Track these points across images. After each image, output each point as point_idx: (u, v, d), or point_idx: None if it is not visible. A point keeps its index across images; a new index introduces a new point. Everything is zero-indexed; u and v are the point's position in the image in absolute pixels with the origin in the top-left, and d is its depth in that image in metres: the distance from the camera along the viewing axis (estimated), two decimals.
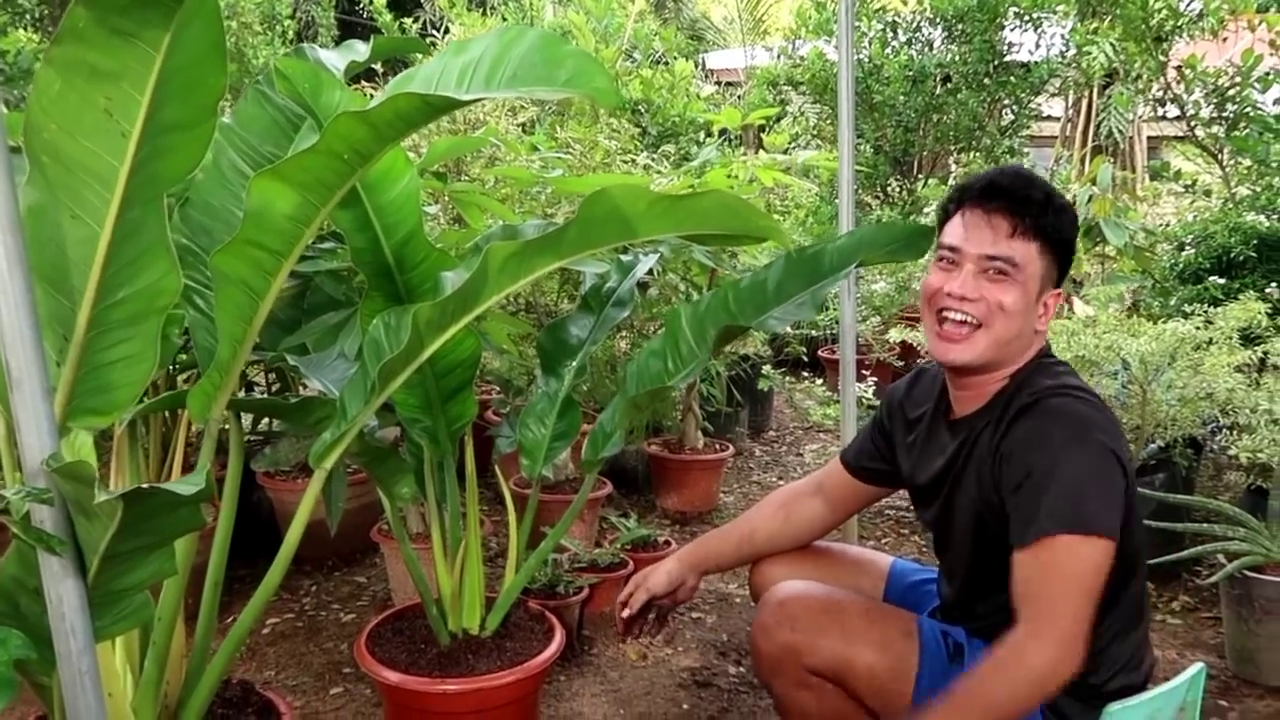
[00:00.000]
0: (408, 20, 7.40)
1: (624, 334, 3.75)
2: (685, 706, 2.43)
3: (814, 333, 5.61)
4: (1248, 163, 4.37)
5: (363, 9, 7.83)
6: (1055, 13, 6.64)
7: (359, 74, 2.13)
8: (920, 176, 7.39)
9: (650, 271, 2.93)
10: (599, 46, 5.65)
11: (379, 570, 3.19)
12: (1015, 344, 1.59)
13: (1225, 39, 4.87)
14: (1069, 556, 1.42)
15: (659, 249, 2.68)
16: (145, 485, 1.17)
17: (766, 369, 4.27)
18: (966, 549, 1.67)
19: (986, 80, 6.96)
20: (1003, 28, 6.91)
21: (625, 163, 3.82)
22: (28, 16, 5.62)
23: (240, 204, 1.63)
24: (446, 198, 2.99)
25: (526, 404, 2.29)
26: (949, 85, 7.06)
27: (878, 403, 3.60)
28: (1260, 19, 4.37)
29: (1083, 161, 7.13)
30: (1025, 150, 7.56)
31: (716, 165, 3.59)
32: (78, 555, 1.27)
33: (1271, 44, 4.32)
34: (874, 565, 1.98)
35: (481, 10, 6.97)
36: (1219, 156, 4.68)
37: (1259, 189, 4.20)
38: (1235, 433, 2.84)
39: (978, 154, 6.89)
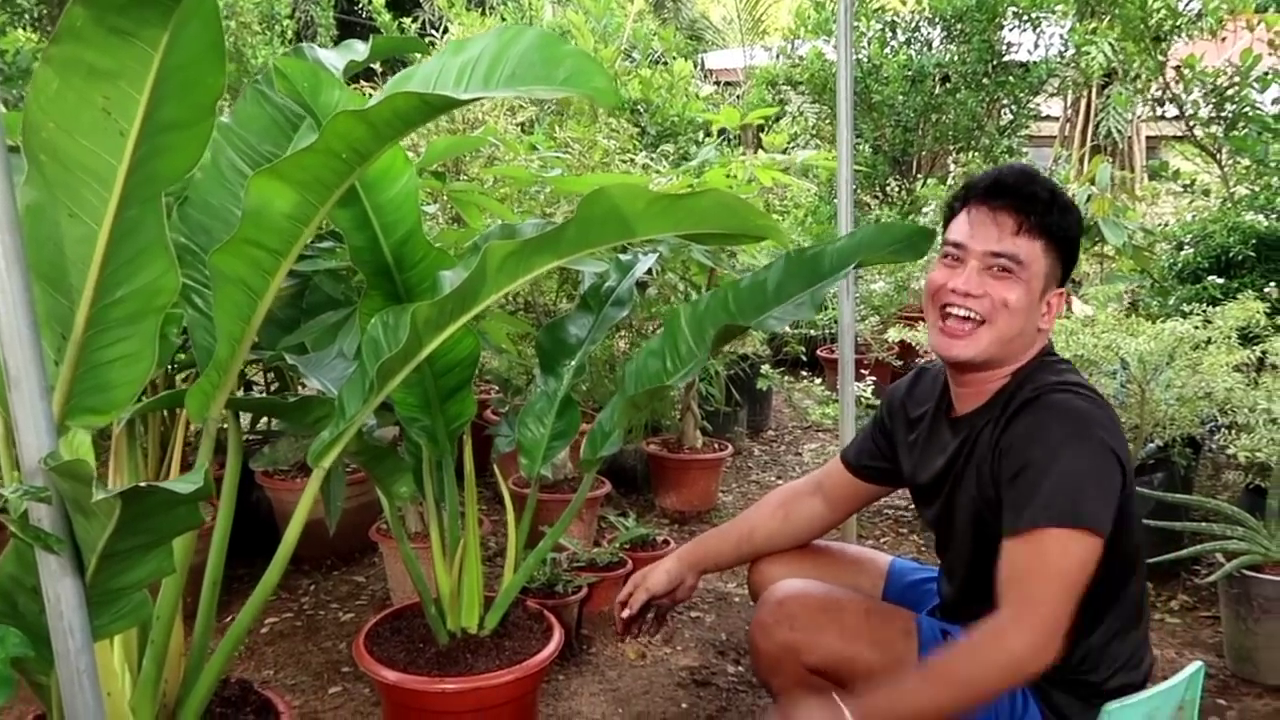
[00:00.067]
0: (406, 20, 7.40)
1: (623, 333, 3.75)
2: (684, 705, 2.43)
3: (813, 332, 5.61)
4: (1246, 162, 4.36)
5: (361, 9, 7.84)
6: (1054, 12, 6.64)
7: (358, 74, 2.13)
8: (919, 176, 7.39)
9: (649, 271, 2.93)
10: (598, 46, 5.65)
11: (377, 569, 3.19)
12: (1018, 342, 1.59)
13: (1224, 39, 4.87)
14: (1058, 550, 1.43)
15: (658, 248, 2.68)
16: (143, 484, 1.17)
17: (765, 368, 4.27)
18: (967, 548, 1.67)
19: (985, 80, 6.96)
20: (1001, 27, 6.91)
21: (624, 162, 3.82)
22: (26, 16, 5.62)
23: (239, 203, 1.63)
24: (445, 197, 2.99)
25: (525, 403, 2.29)
26: (948, 85, 7.07)
27: (876, 402, 3.61)
28: (1259, 19, 4.37)
29: (1081, 161, 7.14)
30: (1024, 150, 7.56)
31: (715, 165, 3.59)
32: (76, 554, 1.27)
33: (1270, 43, 4.32)
34: (873, 564, 1.98)
35: (480, 10, 6.97)
36: (1217, 156, 4.68)
37: (1258, 188, 4.20)
38: (1234, 432, 2.84)
39: (976, 154, 6.89)
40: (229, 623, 1.75)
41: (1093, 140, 7.81)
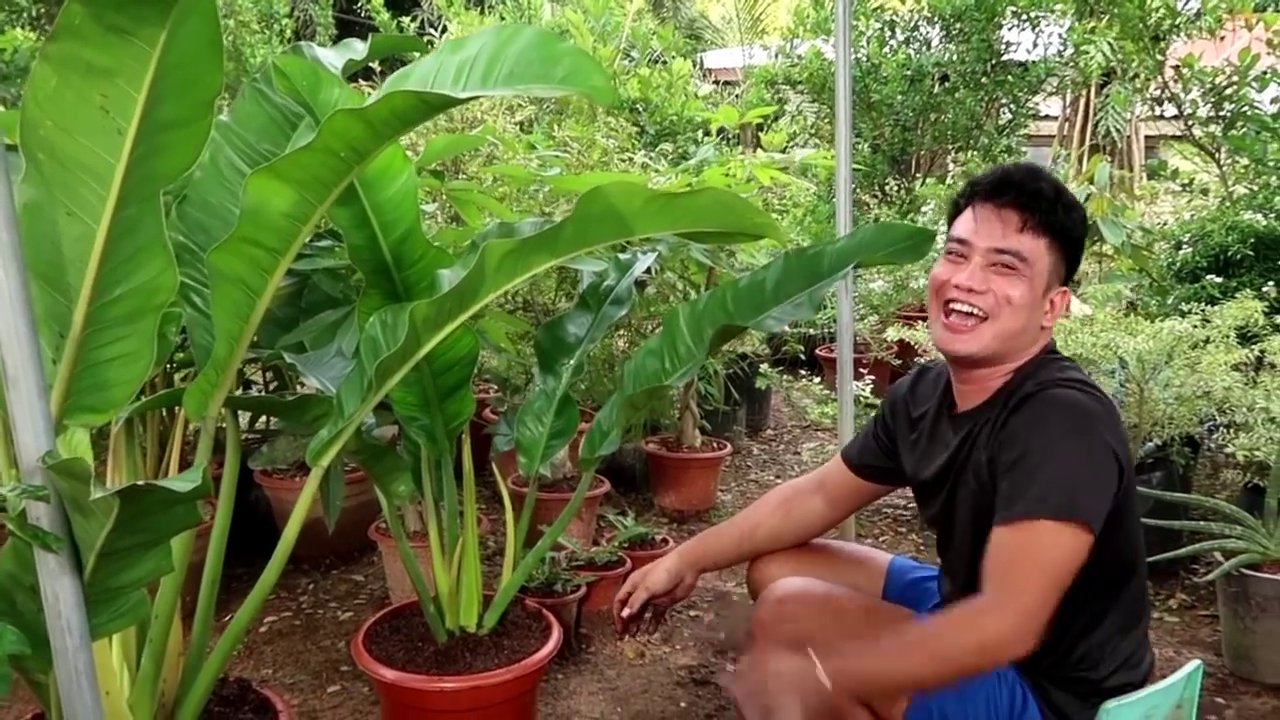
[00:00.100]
0: (405, 19, 7.40)
1: (622, 332, 3.75)
2: (683, 704, 2.43)
3: (812, 331, 5.61)
4: (1245, 161, 4.37)
5: (360, 8, 7.83)
6: (1053, 12, 6.64)
7: (357, 73, 2.13)
8: (918, 175, 7.39)
9: (648, 270, 2.93)
10: (596, 45, 5.65)
11: (376, 568, 3.18)
12: (1021, 338, 1.60)
13: (1223, 38, 4.88)
14: (1048, 542, 1.43)
15: (656, 247, 2.68)
16: (141, 482, 1.17)
17: (764, 367, 4.28)
18: (967, 546, 1.67)
19: (984, 79, 6.96)
20: (1000, 27, 6.91)
21: (623, 161, 3.82)
22: (25, 15, 5.61)
23: (237, 202, 1.63)
24: (444, 196, 2.99)
25: (524, 402, 2.29)
26: (947, 84, 7.07)
27: (875, 401, 3.62)
28: (1258, 18, 4.37)
29: (1080, 160, 7.13)
30: (1023, 149, 7.56)
31: (714, 164, 3.59)
32: (74, 552, 1.27)
33: (1269, 43, 4.32)
34: (873, 563, 1.98)
35: (479, 9, 6.97)
36: (1216, 155, 4.68)
37: (1256, 188, 4.20)
38: (1232, 431, 2.84)
39: (975, 153, 6.89)
40: (228, 621, 1.75)
41: (1091, 139, 7.81)
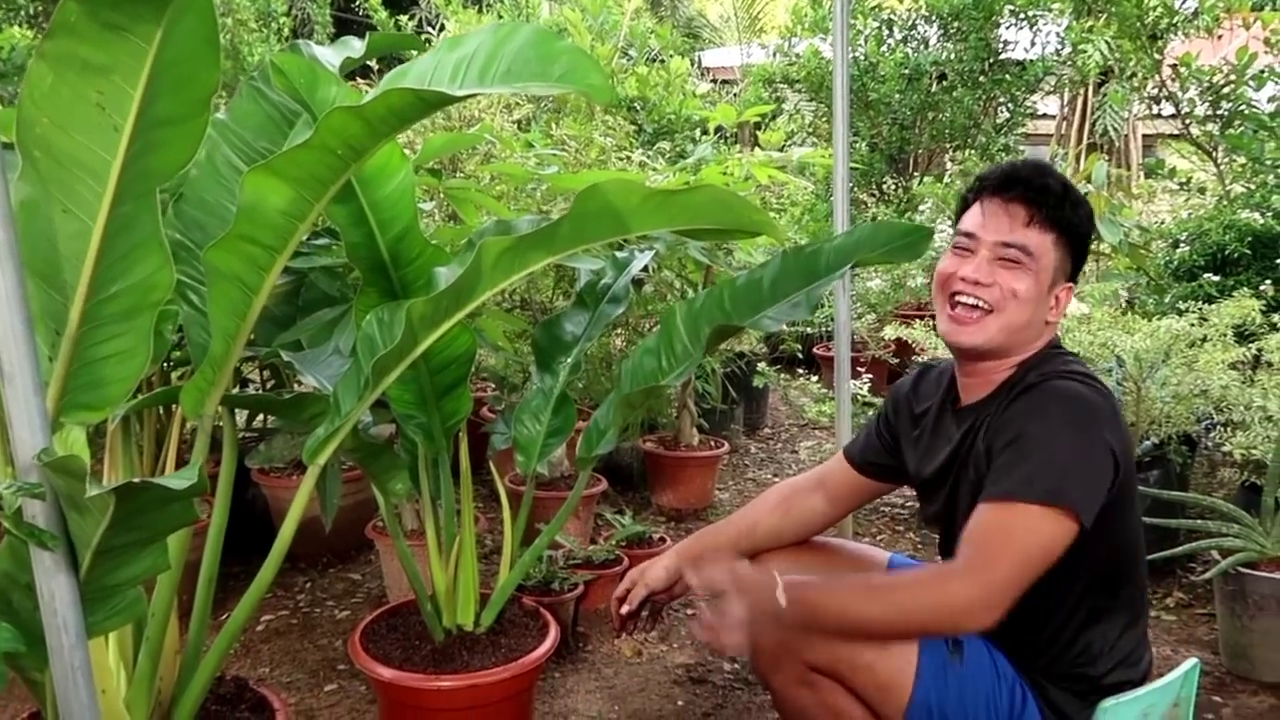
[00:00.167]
0: (403, 17, 7.39)
1: (619, 331, 3.75)
2: (680, 703, 2.43)
3: (809, 330, 5.61)
4: (1242, 160, 4.37)
5: (358, 6, 7.83)
6: (1050, 10, 6.64)
7: (354, 71, 2.13)
8: (916, 174, 7.39)
9: (646, 268, 2.93)
10: (594, 44, 5.64)
11: (374, 567, 3.18)
12: (1025, 332, 1.60)
13: (1220, 37, 4.89)
14: (1029, 525, 1.44)
15: (654, 245, 2.68)
16: (137, 479, 1.17)
17: (762, 366, 4.28)
18: None
19: (982, 78, 6.96)
20: (998, 25, 6.91)
21: (620, 160, 3.82)
22: (22, 13, 5.60)
23: (234, 199, 1.63)
24: (442, 194, 2.98)
25: (521, 400, 2.29)
26: (944, 83, 7.07)
27: (873, 400, 3.62)
28: (1255, 17, 4.38)
29: (1078, 159, 7.13)
30: (1021, 148, 7.57)
31: (712, 162, 3.59)
32: (70, 550, 1.27)
33: (1266, 41, 4.33)
34: (872, 560, 1.98)
35: (477, 7, 6.97)
36: (1214, 154, 4.68)
37: (1253, 186, 4.20)
38: (1229, 429, 2.85)
39: (973, 152, 6.89)
40: (224, 620, 1.75)
41: (1089, 138, 7.83)
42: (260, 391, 3.26)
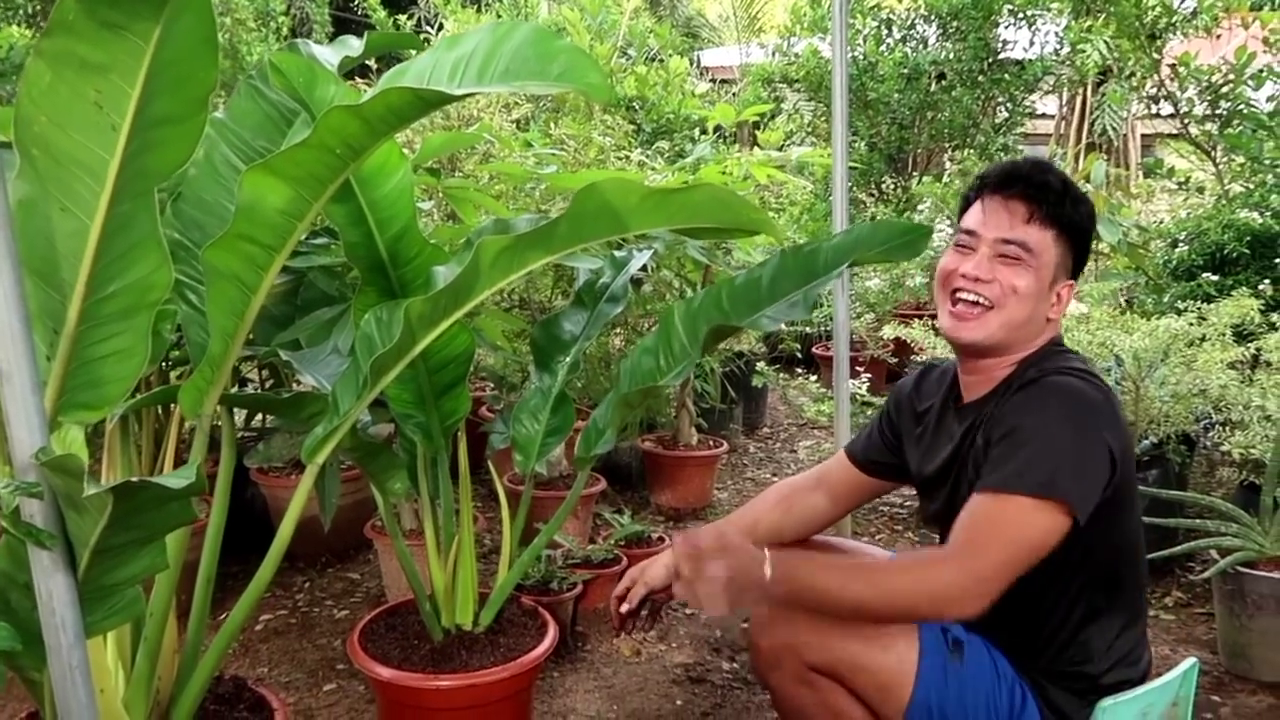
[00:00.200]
0: (402, 16, 7.39)
1: (618, 330, 3.75)
2: (679, 702, 2.43)
3: (808, 329, 5.61)
4: (1241, 160, 4.37)
5: (357, 5, 7.83)
6: (1049, 10, 6.65)
7: (353, 70, 2.13)
8: (915, 174, 7.39)
9: (644, 267, 2.93)
10: (593, 43, 5.64)
11: (372, 566, 3.18)
12: (1026, 329, 1.61)
13: (1219, 36, 4.88)
14: (1019, 517, 1.44)
15: (653, 245, 2.68)
16: (135, 479, 1.17)
17: (761, 365, 4.28)
18: None
19: (981, 78, 6.96)
20: (997, 25, 6.91)
21: (619, 159, 3.82)
22: (21, 12, 5.60)
23: (233, 199, 1.63)
24: (440, 193, 2.98)
25: (520, 400, 2.29)
26: (943, 82, 7.07)
27: (872, 399, 3.62)
28: (1254, 16, 4.38)
29: (1077, 158, 7.14)
30: (1019, 147, 7.57)
31: (710, 162, 3.59)
32: (68, 550, 1.26)
33: (1265, 41, 4.33)
34: (871, 558, 1.98)
35: (475, 6, 6.97)
36: (1212, 154, 4.69)
37: (1252, 186, 4.20)
38: (1228, 429, 2.85)
39: (972, 151, 6.89)
40: (223, 619, 1.74)
41: (1088, 138, 7.83)
42: (259, 391, 3.26)
